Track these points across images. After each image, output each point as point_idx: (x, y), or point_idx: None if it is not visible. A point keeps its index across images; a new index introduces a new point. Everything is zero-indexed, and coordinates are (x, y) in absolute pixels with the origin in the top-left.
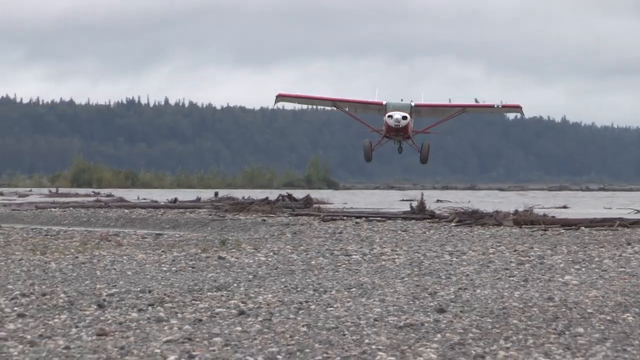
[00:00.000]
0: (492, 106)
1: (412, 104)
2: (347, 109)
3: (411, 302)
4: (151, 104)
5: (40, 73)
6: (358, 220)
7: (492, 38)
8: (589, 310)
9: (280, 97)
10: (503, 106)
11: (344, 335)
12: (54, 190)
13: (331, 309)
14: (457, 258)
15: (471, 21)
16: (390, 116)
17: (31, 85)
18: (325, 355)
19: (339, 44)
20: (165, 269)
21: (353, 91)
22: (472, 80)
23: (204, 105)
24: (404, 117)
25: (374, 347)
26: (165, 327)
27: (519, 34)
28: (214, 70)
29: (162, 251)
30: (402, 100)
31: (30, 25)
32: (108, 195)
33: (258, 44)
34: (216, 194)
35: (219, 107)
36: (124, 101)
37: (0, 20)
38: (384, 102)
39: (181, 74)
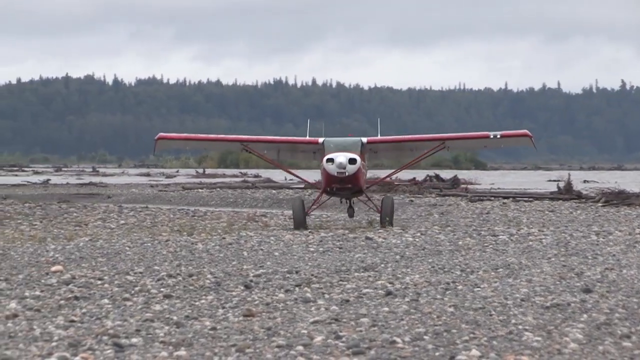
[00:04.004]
0: (487, 136)
1: (364, 140)
2: (265, 152)
3: (558, 282)
4: (298, 85)
5: (188, 54)
6: (505, 200)
7: None
8: None
9: (160, 141)
10: (503, 135)
11: (491, 315)
12: (201, 171)
13: (478, 289)
14: (603, 238)
15: (624, 1)
16: (330, 160)
17: (179, 66)
18: (472, 335)
19: (492, 24)
20: (312, 249)
21: (506, 71)
22: (622, 61)
23: (352, 86)
24: (352, 161)
25: (520, 327)
26: (312, 308)
27: None
28: (364, 51)
29: (310, 232)
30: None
31: (182, 5)
32: (255, 176)
33: (412, 24)
34: None
35: (366, 88)
36: (272, 82)
37: (149, 2)
38: (320, 140)
39: (331, 55)
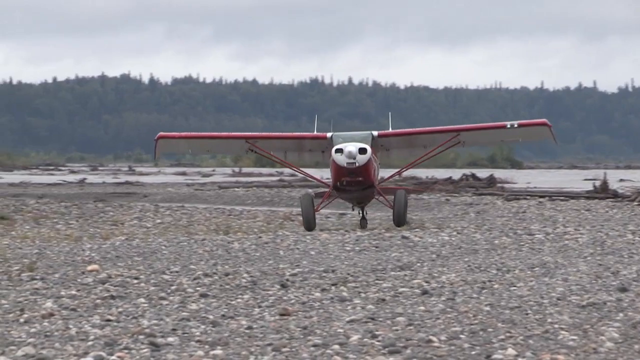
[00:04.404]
0: (503, 126)
1: (374, 133)
2: (271, 153)
3: (593, 281)
4: (335, 84)
5: (225, 52)
6: (541, 199)
7: None
8: None
9: (161, 141)
10: (520, 125)
11: (527, 314)
12: (237, 169)
13: (514, 288)
14: (639, 237)
15: None
16: (339, 150)
17: (215, 65)
18: (508, 334)
19: (528, 22)
20: (348, 248)
21: (542, 70)
22: None
23: (388, 85)
24: (362, 151)
25: (556, 326)
26: (349, 307)
27: None
28: (401, 50)
29: (346, 230)
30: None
31: (219, 4)
32: (291, 175)
33: (449, 23)
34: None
35: (402, 87)
36: (308, 81)
37: (187, 0)
38: (329, 135)
39: (368, 54)
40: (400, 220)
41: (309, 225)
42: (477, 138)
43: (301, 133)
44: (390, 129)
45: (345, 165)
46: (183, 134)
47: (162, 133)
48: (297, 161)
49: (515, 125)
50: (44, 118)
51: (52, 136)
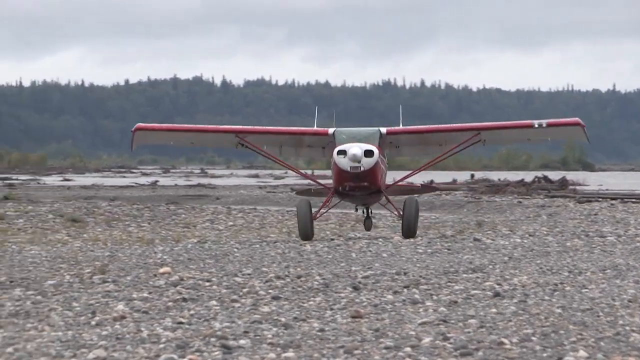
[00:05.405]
0: (530, 126)
1: (383, 130)
2: (264, 147)
3: None
4: (407, 86)
5: (298, 55)
6: (613, 201)
7: None
8: None
9: (139, 132)
10: (549, 124)
11: (598, 316)
12: (309, 172)
13: (586, 290)
14: None
15: None
16: (342, 152)
17: (288, 67)
18: (579, 336)
19: (601, 25)
20: (420, 250)
21: (614, 72)
22: None
23: (460, 87)
24: (368, 153)
25: (627, 328)
26: (420, 309)
27: None
28: (474, 52)
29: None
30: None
31: (292, 6)
32: None
33: (523, 25)
34: (472, 175)
35: (475, 89)
36: (380, 83)
37: (262, 2)
38: (331, 131)
39: (441, 56)
40: (410, 231)
41: (306, 234)
42: (500, 137)
43: (299, 128)
44: (401, 125)
45: (348, 169)
46: (164, 125)
47: (140, 124)
48: (294, 158)
49: (544, 125)
50: (116, 120)
51: (124, 138)
